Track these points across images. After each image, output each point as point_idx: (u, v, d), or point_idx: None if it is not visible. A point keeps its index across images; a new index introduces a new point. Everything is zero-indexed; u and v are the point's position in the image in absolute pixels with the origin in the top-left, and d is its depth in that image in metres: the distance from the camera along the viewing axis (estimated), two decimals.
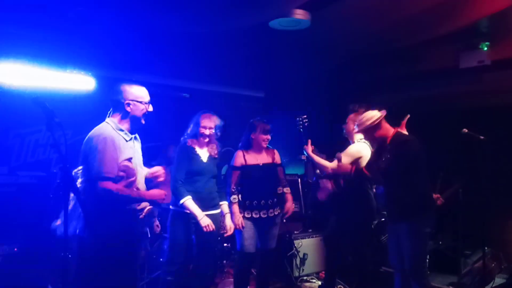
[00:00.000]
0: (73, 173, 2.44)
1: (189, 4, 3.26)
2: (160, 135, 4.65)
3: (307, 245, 4.89)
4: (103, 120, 3.61)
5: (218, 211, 3.54)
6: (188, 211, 3.28)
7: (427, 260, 4.25)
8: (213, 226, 3.29)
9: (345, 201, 3.84)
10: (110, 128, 2.51)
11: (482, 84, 4.98)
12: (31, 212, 4.00)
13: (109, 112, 2.64)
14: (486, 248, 3.98)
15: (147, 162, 2.87)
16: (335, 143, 4.34)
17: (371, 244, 4.14)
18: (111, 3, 3.22)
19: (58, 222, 2.45)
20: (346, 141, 4.06)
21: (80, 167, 2.45)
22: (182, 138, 3.54)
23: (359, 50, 4.63)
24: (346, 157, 3.81)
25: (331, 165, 3.82)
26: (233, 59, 4.97)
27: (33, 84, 4.26)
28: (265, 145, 3.69)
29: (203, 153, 3.51)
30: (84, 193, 2.36)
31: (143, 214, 2.56)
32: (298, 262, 4.79)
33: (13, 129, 4.45)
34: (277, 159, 3.82)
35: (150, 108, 2.64)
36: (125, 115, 2.56)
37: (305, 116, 4.00)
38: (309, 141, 3.93)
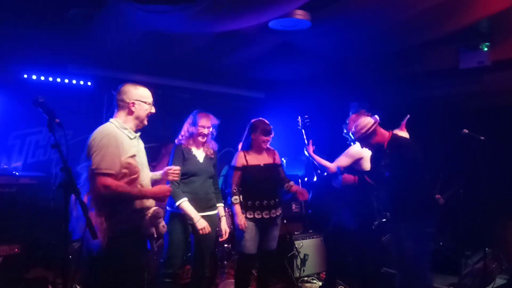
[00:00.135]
0: (78, 169, 2.45)
1: (189, 4, 3.26)
2: (160, 135, 4.65)
3: (307, 246, 4.88)
4: (103, 120, 3.62)
5: (215, 212, 3.53)
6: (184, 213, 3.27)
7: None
8: (209, 229, 3.26)
9: (345, 201, 3.84)
10: (114, 127, 2.52)
11: (482, 84, 4.98)
12: (31, 213, 4.00)
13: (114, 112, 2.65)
14: (486, 248, 3.98)
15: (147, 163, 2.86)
16: (335, 143, 4.34)
17: (371, 244, 4.14)
18: (111, 3, 3.23)
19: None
20: (346, 141, 4.07)
21: (84, 164, 2.45)
22: (177, 139, 3.50)
23: (359, 50, 4.63)
24: (347, 158, 3.81)
25: (332, 165, 3.83)
26: (233, 59, 4.97)
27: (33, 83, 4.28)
28: (265, 146, 3.69)
29: (199, 153, 3.49)
30: (90, 188, 2.37)
31: (149, 214, 2.55)
32: (298, 262, 4.79)
33: (14, 130, 4.45)
34: (278, 159, 3.83)
35: (153, 110, 2.66)
36: (129, 114, 2.58)
37: (307, 116, 4.00)
38: (311, 141, 3.93)
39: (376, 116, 3.33)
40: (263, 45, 4.41)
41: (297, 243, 4.81)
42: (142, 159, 2.61)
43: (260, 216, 3.59)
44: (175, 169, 2.78)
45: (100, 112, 4.35)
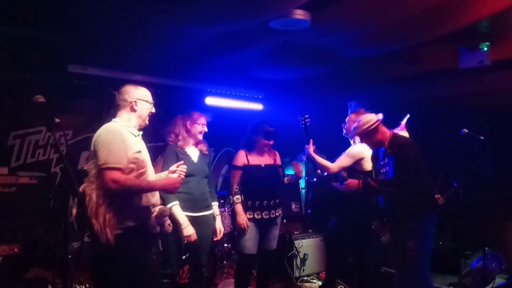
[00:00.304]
0: (84, 169, 2.46)
1: (188, 4, 3.26)
2: (159, 136, 4.65)
3: (307, 246, 4.89)
4: (103, 120, 3.62)
5: (211, 212, 3.53)
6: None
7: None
8: (195, 237, 3.21)
9: (345, 201, 3.84)
10: (118, 125, 2.55)
11: (482, 84, 4.97)
12: (31, 213, 4.00)
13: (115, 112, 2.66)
14: (486, 248, 3.98)
15: None
16: (335, 143, 4.34)
17: (371, 244, 4.15)
18: (111, 3, 3.22)
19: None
20: (346, 141, 4.07)
21: (90, 163, 2.45)
22: (169, 140, 3.47)
23: (359, 50, 4.62)
24: (348, 158, 3.81)
25: (332, 165, 3.82)
26: (233, 59, 4.97)
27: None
28: (266, 149, 3.70)
29: (194, 153, 3.48)
30: (98, 186, 2.38)
31: (155, 212, 2.56)
32: (298, 262, 4.79)
33: (13, 130, 4.45)
34: (278, 160, 3.83)
35: (153, 109, 2.70)
36: (131, 114, 2.61)
37: (307, 116, 3.99)
38: (311, 141, 3.93)
39: (380, 114, 3.32)
40: (262, 44, 4.41)
41: (297, 243, 4.81)
42: (146, 157, 2.62)
43: (259, 217, 3.59)
44: (183, 166, 2.71)
45: (100, 112, 4.34)
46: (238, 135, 4.09)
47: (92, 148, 2.47)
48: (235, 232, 3.71)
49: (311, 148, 3.91)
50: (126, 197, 2.42)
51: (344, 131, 4.01)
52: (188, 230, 3.18)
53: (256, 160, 3.67)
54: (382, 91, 5.71)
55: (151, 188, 2.54)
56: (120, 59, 4.79)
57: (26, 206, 3.91)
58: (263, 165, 3.67)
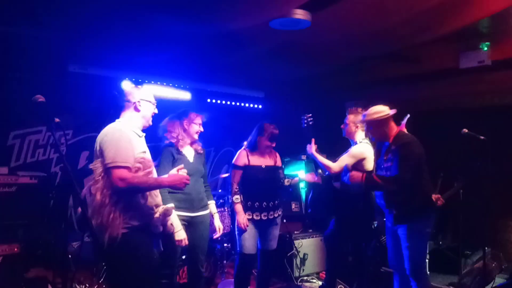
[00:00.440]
0: (89, 167, 2.46)
1: (188, 4, 3.26)
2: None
3: (307, 245, 4.89)
4: (103, 119, 3.61)
5: (207, 211, 3.52)
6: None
7: (427, 261, 4.26)
8: (187, 242, 3.14)
9: (345, 201, 3.84)
10: (123, 125, 2.57)
11: (482, 84, 4.98)
12: (31, 212, 4.00)
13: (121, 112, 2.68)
14: (486, 248, 3.98)
15: None
16: (335, 142, 4.34)
17: (371, 244, 4.15)
18: (111, 3, 3.22)
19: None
20: (346, 142, 4.06)
21: (94, 161, 2.45)
22: (168, 140, 3.44)
23: (359, 50, 4.62)
24: (349, 158, 3.81)
25: (333, 165, 3.82)
26: (233, 59, 4.97)
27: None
28: (268, 151, 3.70)
29: (189, 152, 3.47)
30: (104, 185, 2.38)
31: (159, 212, 2.56)
32: (298, 262, 4.79)
33: (14, 130, 4.45)
34: (279, 162, 3.83)
35: (156, 110, 2.72)
36: (135, 114, 2.63)
37: (310, 115, 3.99)
38: (313, 140, 3.93)
39: (394, 110, 3.32)
40: (263, 44, 4.41)
41: (297, 243, 4.82)
42: (150, 157, 2.64)
43: (258, 218, 3.59)
44: (183, 170, 2.66)
45: (100, 112, 4.34)
46: (238, 135, 4.09)
47: (97, 147, 2.47)
48: (235, 232, 3.71)
49: (313, 147, 3.91)
50: (131, 197, 2.43)
51: (344, 133, 4.00)
52: (180, 234, 3.12)
53: (257, 160, 3.67)
54: (382, 90, 5.71)
55: (158, 185, 2.56)
56: (120, 59, 4.79)
57: (26, 206, 3.91)
58: (263, 166, 3.67)
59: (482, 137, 3.58)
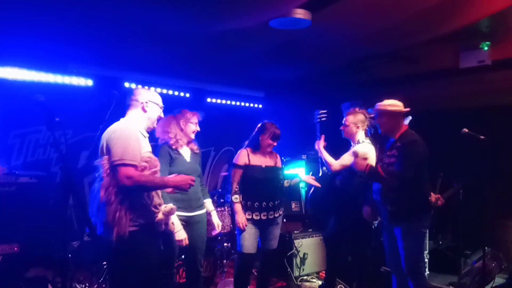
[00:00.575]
0: (95, 163, 2.46)
1: (188, 4, 3.26)
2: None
3: (307, 245, 4.89)
4: (103, 119, 3.61)
5: (204, 211, 3.52)
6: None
7: (426, 260, 4.26)
8: (187, 242, 3.18)
9: (345, 200, 3.84)
10: (130, 123, 2.57)
11: (483, 84, 4.98)
12: (31, 212, 4.00)
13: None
14: (486, 248, 3.98)
15: None
16: (335, 142, 4.34)
17: (371, 244, 4.14)
18: (111, 2, 3.22)
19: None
20: (346, 140, 4.06)
21: (100, 159, 2.45)
22: (160, 140, 3.43)
23: (359, 50, 4.62)
24: (351, 157, 3.80)
25: (335, 163, 3.83)
26: (233, 59, 4.97)
27: (34, 83, 4.27)
28: (269, 150, 3.69)
29: (186, 152, 3.46)
30: (109, 183, 2.38)
31: (163, 211, 2.57)
32: (298, 261, 4.79)
33: (13, 129, 4.45)
34: (279, 163, 3.83)
35: (162, 114, 2.74)
36: (142, 115, 2.64)
37: (325, 111, 3.99)
38: (323, 136, 3.94)
39: (409, 108, 3.31)
40: (263, 44, 4.41)
41: (297, 242, 4.82)
42: (156, 158, 2.65)
43: (258, 218, 3.59)
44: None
45: (100, 111, 4.34)
46: (238, 135, 4.09)
47: (104, 144, 2.47)
48: (235, 231, 3.71)
49: (321, 143, 3.92)
50: (137, 195, 2.44)
51: (344, 134, 4.00)
52: (181, 234, 3.15)
53: (257, 160, 3.66)
54: (383, 90, 5.70)
55: (164, 185, 2.57)
56: (121, 59, 4.79)
57: (25, 205, 3.91)
58: (264, 166, 3.67)
59: (482, 137, 3.58)
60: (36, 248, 3.93)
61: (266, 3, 3.32)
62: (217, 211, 4.63)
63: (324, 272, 4.79)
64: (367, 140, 3.88)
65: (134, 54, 4.68)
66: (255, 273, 4.16)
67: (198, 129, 3.50)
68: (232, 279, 3.88)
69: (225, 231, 4.72)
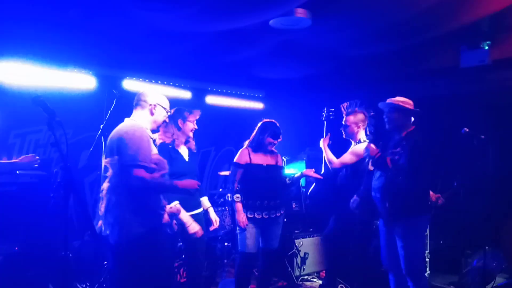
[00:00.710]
0: (104, 163, 2.47)
1: (189, 3, 3.26)
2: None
3: (308, 244, 4.89)
4: (103, 119, 3.61)
5: (201, 209, 3.53)
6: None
7: (427, 260, 4.26)
8: (202, 232, 3.24)
9: (344, 200, 3.83)
10: (139, 124, 2.57)
11: (483, 83, 4.97)
12: (31, 211, 4.00)
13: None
14: (487, 247, 3.98)
15: None
16: (336, 142, 4.34)
17: (372, 243, 4.14)
18: (112, 2, 3.22)
19: (100, 223, 2.48)
20: (347, 140, 4.06)
21: (109, 159, 2.45)
22: (163, 139, 3.41)
23: (359, 49, 4.62)
24: (351, 156, 3.82)
25: (336, 160, 3.85)
26: (233, 58, 4.97)
27: (34, 83, 4.27)
28: (270, 148, 3.69)
29: (184, 152, 3.47)
30: (117, 184, 2.39)
31: (168, 211, 2.60)
32: (299, 261, 4.79)
33: (14, 129, 4.45)
34: (280, 162, 3.84)
35: (167, 119, 2.78)
36: (148, 117, 2.65)
37: (333, 109, 4.01)
38: (329, 134, 3.96)
39: (418, 109, 3.33)
40: (263, 43, 4.41)
41: (297, 242, 4.81)
42: (165, 160, 2.67)
43: (260, 217, 3.58)
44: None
45: (101, 111, 4.33)
46: (239, 134, 4.08)
47: (113, 144, 2.46)
48: (236, 230, 3.71)
49: (326, 141, 3.94)
50: (145, 197, 2.44)
51: (345, 134, 4.00)
52: (194, 227, 3.19)
53: (258, 159, 3.66)
54: (383, 90, 5.69)
55: (174, 188, 2.59)
56: (122, 58, 4.79)
57: (26, 205, 3.91)
58: (264, 165, 3.67)
59: (483, 136, 3.57)
60: (37, 247, 3.93)
61: (267, 3, 3.32)
62: (217, 211, 4.64)
63: (324, 271, 4.79)
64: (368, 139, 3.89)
65: (134, 54, 4.69)
66: (256, 273, 4.16)
67: (196, 127, 3.49)
68: (233, 278, 3.88)
69: (226, 230, 4.72)
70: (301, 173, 3.81)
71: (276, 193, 3.69)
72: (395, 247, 3.25)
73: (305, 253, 4.83)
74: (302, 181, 5.63)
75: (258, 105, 6.65)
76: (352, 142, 3.98)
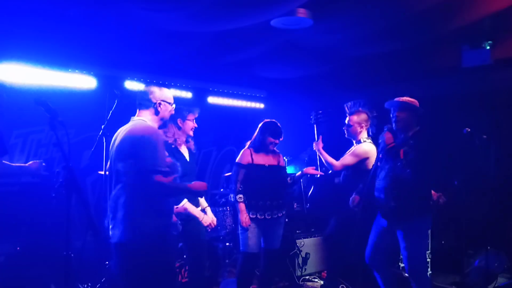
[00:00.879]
0: (119, 168, 2.44)
1: (190, 3, 3.26)
2: None
3: (309, 245, 4.88)
4: (105, 119, 3.61)
5: (200, 208, 3.53)
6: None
7: (428, 260, 4.25)
8: (215, 222, 3.38)
9: (345, 201, 3.83)
10: (151, 126, 2.57)
11: (485, 83, 4.96)
12: (33, 211, 4.01)
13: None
14: (488, 247, 3.97)
15: None
16: (335, 143, 4.33)
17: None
18: (112, 2, 3.23)
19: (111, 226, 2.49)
20: (348, 140, 4.06)
21: (122, 163, 2.45)
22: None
23: (360, 49, 4.62)
24: (353, 157, 3.81)
25: (336, 163, 3.83)
26: (234, 58, 4.97)
27: (36, 83, 4.28)
28: (272, 148, 3.69)
29: (185, 151, 3.48)
30: (132, 187, 2.39)
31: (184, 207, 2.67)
32: (300, 261, 4.78)
33: (16, 129, 4.46)
34: (282, 162, 3.84)
35: (173, 111, 2.76)
36: (155, 115, 2.64)
37: (321, 112, 4.00)
38: (320, 137, 3.94)
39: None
40: (264, 43, 4.41)
41: (299, 242, 4.81)
42: (177, 162, 2.71)
43: (262, 217, 3.58)
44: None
45: (102, 111, 4.35)
46: (240, 134, 4.08)
47: (125, 146, 2.45)
48: (238, 230, 3.70)
49: (320, 144, 3.92)
50: (160, 200, 2.46)
51: (347, 134, 3.99)
52: (207, 219, 3.32)
53: (260, 159, 3.66)
54: (384, 90, 5.69)
55: (187, 190, 2.64)
56: (123, 59, 4.80)
57: (28, 205, 3.92)
58: (267, 165, 3.67)
59: (484, 136, 3.57)
60: (39, 247, 3.94)
61: (268, 3, 3.32)
62: (219, 211, 4.64)
63: (325, 272, 4.78)
64: (369, 140, 3.88)
65: (136, 54, 4.69)
66: (257, 273, 4.16)
67: (196, 125, 3.50)
68: (235, 278, 3.88)
69: (227, 230, 4.72)
70: (302, 171, 3.80)
71: (278, 194, 3.69)
72: (387, 247, 3.26)
73: (306, 253, 4.83)
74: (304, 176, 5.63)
75: (260, 105, 6.65)
76: (354, 142, 3.97)
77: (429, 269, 4.51)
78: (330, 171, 3.98)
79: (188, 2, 3.24)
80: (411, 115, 3.26)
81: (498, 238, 4.53)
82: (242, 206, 3.57)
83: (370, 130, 3.96)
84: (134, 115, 2.71)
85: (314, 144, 3.99)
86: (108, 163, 2.73)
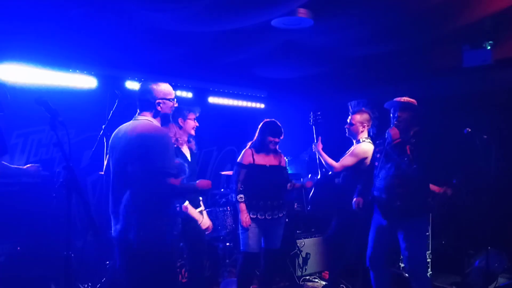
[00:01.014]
0: (130, 171, 2.43)
1: (191, 3, 3.26)
2: None
3: (309, 245, 4.88)
4: (105, 118, 3.61)
5: (200, 209, 3.53)
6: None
7: (429, 260, 4.25)
8: (212, 226, 3.41)
9: (346, 201, 3.83)
10: (158, 126, 2.56)
11: (486, 83, 4.96)
12: (34, 211, 4.01)
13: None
14: (489, 247, 3.97)
15: None
16: (336, 143, 4.33)
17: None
18: (113, 2, 3.23)
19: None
20: (349, 141, 4.06)
21: (135, 165, 2.44)
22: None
23: (361, 49, 4.61)
24: (352, 158, 3.81)
25: (337, 164, 3.84)
26: (235, 58, 4.96)
27: (36, 83, 4.28)
28: (272, 147, 3.68)
29: (187, 151, 3.48)
30: (144, 189, 2.39)
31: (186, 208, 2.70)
32: (300, 261, 4.79)
33: (16, 129, 4.46)
34: (283, 162, 3.84)
35: (176, 104, 2.72)
36: (156, 113, 2.61)
37: (319, 112, 4.00)
38: (320, 138, 3.94)
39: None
40: (265, 43, 4.40)
41: (299, 242, 4.81)
42: (184, 163, 2.73)
43: (263, 217, 3.58)
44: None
45: (103, 111, 4.35)
46: (241, 134, 4.08)
47: (133, 147, 2.43)
48: (239, 230, 3.71)
49: (319, 145, 3.92)
50: (168, 202, 2.47)
51: (348, 132, 3.99)
52: (205, 222, 3.34)
53: (261, 160, 3.67)
54: (385, 90, 5.69)
55: (194, 190, 2.64)
56: (124, 59, 4.80)
57: (28, 205, 3.92)
58: (268, 165, 3.67)
59: (485, 136, 3.57)
60: (39, 247, 3.94)
61: (269, 3, 3.32)
62: (219, 211, 4.64)
63: (326, 272, 4.78)
64: (368, 140, 3.89)
65: (136, 54, 4.69)
66: (258, 273, 4.15)
67: (197, 124, 3.50)
68: (235, 278, 3.88)
69: (227, 230, 4.72)
70: (303, 184, 3.82)
71: (279, 194, 3.69)
72: (387, 246, 3.26)
73: (306, 253, 4.83)
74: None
75: (260, 105, 6.65)
76: (354, 142, 3.97)
77: (429, 269, 4.51)
78: (330, 172, 3.99)
79: (188, 2, 3.24)
80: (413, 115, 3.26)
81: (499, 238, 4.53)
82: (242, 206, 3.57)
83: (370, 130, 3.96)
84: (134, 115, 2.69)
85: (313, 145, 3.99)
86: (106, 162, 2.71)
